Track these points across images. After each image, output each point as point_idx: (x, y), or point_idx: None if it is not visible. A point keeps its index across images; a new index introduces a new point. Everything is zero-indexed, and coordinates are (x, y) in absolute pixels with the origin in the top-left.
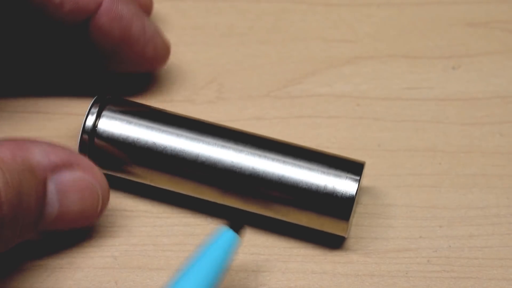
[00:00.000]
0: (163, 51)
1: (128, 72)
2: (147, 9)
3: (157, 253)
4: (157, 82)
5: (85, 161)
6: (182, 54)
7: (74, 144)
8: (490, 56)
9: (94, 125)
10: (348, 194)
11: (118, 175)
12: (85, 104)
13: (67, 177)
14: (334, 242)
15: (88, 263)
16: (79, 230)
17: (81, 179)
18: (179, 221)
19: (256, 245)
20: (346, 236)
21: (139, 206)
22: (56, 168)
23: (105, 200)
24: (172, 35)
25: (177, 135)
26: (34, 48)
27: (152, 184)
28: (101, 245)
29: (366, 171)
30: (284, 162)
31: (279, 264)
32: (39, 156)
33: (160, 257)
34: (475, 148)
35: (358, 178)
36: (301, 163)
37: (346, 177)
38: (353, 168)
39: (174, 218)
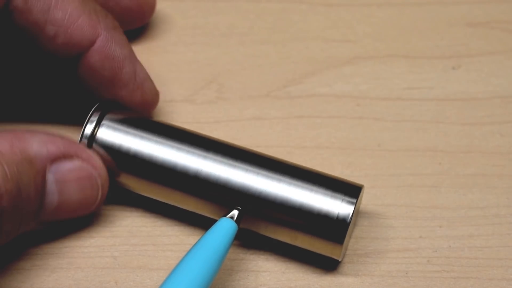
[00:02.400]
0: (152, 98)
1: None
2: (149, 10)
3: (157, 253)
4: (157, 82)
5: (84, 150)
6: (182, 54)
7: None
8: (490, 56)
9: (93, 133)
10: (343, 217)
11: (117, 184)
12: (87, 104)
13: (66, 167)
14: None
15: (88, 263)
16: (79, 220)
17: (80, 168)
18: (179, 221)
19: (256, 245)
20: (339, 260)
21: (139, 206)
22: (55, 158)
23: (105, 188)
24: (172, 35)
25: (172, 147)
26: (24, 75)
27: (146, 195)
28: (101, 245)
29: (366, 171)
30: (280, 181)
31: (279, 264)
32: (37, 147)
33: (160, 257)
34: (475, 148)
35: (354, 200)
36: (298, 183)
37: (342, 199)
38: (350, 190)
39: (174, 218)
